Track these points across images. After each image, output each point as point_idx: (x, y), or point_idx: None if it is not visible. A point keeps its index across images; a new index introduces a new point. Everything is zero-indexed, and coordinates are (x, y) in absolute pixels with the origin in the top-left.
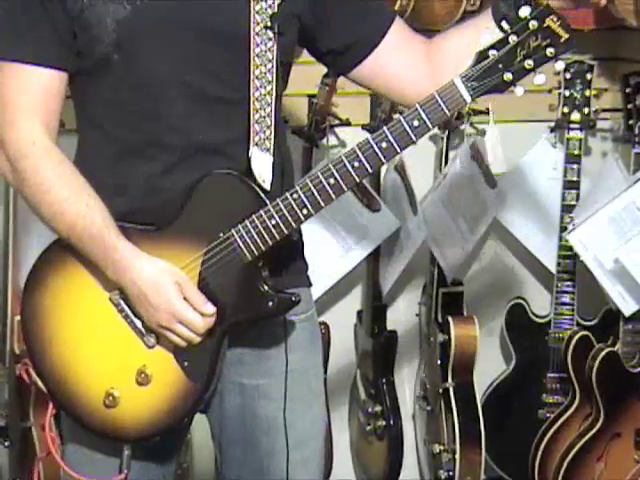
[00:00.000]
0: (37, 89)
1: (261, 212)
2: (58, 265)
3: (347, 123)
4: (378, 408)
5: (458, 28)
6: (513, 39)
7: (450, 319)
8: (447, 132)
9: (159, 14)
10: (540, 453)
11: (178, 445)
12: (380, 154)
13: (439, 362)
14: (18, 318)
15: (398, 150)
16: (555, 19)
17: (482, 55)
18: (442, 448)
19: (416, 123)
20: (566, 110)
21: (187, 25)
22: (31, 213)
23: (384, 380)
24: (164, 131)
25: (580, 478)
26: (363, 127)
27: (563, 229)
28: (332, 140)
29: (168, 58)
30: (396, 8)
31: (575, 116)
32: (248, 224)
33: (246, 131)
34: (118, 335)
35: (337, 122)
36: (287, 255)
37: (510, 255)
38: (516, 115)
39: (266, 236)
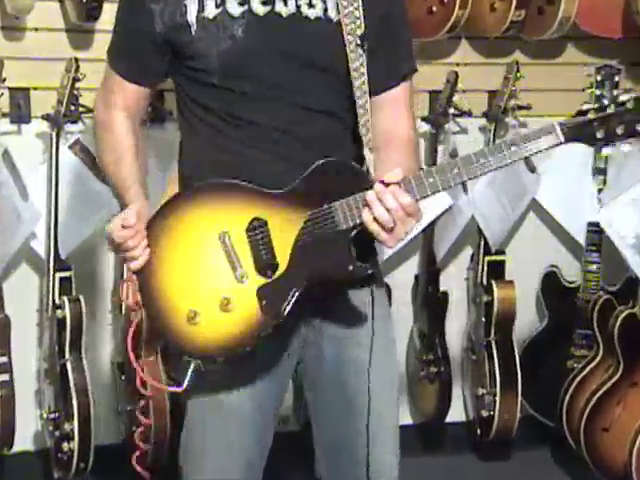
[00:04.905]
0: (124, 93)
1: (362, 193)
2: (187, 203)
3: None
4: (431, 357)
5: (393, 159)
6: (611, 109)
7: (493, 283)
8: (494, 124)
9: (254, 45)
10: (568, 397)
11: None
12: (476, 168)
13: (483, 319)
14: None
15: (493, 167)
16: None
17: (582, 112)
18: (484, 391)
19: (514, 149)
20: (596, 106)
21: (284, 53)
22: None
23: (437, 333)
24: (270, 131)
25: (601, 418)
26: (422, 119)
27: (592, 208)
28: None
29: (266, 80)
30: (452, 19)
31: None
32: (350, 200)
33: (348, 132)
34: (217, 266)
35: None
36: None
37: (546, 229)
38: (554, 110)
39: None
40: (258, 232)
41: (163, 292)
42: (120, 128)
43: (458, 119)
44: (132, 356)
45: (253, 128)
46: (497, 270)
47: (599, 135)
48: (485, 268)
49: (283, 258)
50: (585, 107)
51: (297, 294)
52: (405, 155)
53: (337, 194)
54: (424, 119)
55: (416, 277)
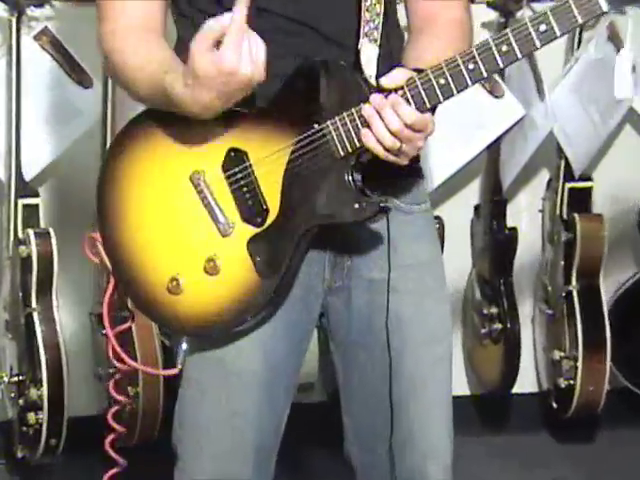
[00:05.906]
0: (126, 16)
1: (361, 106)
2: (143, 135)
3: None
4: (494, 310)
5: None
6: None
7: (576, 217)
8: None
9: None
10: None
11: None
12: (499, 58)
13: (562, 263)
14: None
15: (519, 56)
16: None
17: None
18: (563, 355)
19: (543, 28)
20: None
21: None
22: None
23: (502, 280)
24: (283, 20)
25: None
26: (488, 4)
27: None
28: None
29: None
30: None
31: None
32: (346, 117)
33: (357, 21)
34: (193, 218)
35: None
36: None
37: None
38: None
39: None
40: (238, 169)
41: (134, 258)
42: (135, 41)
43: (534, 4)
44: (107, 321)
45: (263, 16)
46: (581, 200)
47: None
48: (566, 198)
49: (273, 200)
50: None
51: (299, 245)
52: (449, 39)
53: (329, 108)
54: (490, 4)
55: (476, 209)
